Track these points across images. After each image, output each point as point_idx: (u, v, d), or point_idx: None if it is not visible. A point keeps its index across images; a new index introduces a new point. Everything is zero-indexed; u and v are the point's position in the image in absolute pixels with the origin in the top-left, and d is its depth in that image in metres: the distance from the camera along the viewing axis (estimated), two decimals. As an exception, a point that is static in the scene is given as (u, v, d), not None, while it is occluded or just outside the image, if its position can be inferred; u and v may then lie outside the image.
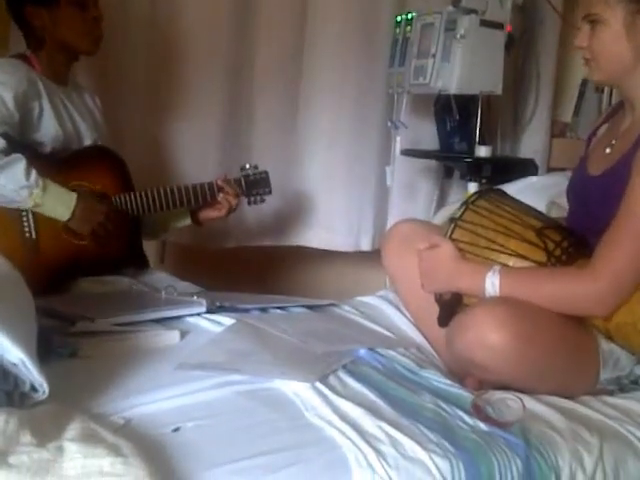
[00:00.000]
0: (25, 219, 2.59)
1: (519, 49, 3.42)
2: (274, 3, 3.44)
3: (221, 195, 2.91)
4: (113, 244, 2.70)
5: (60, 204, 2.56)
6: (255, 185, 3.01)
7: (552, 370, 1.96)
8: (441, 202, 3.66)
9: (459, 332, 1.95)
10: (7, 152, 2.48)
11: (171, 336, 2.15)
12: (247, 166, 3.02)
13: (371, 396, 1.82)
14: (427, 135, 3.52)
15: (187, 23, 3.34)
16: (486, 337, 1.88)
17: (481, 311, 1.93)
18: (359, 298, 2.72)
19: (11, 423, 1.45)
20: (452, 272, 2.07)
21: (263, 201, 3.06)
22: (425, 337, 2.38)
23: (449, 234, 2.10)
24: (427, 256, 2.12)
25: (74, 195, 2.58)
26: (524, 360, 1.90)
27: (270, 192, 3.05)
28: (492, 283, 1.97)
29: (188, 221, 3.00)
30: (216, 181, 2.91)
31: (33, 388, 1.62)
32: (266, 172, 3.03)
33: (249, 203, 3.05)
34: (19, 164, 2.47)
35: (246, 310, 2.44)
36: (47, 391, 1.62)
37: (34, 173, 2.49)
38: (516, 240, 2.05)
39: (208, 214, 2.98)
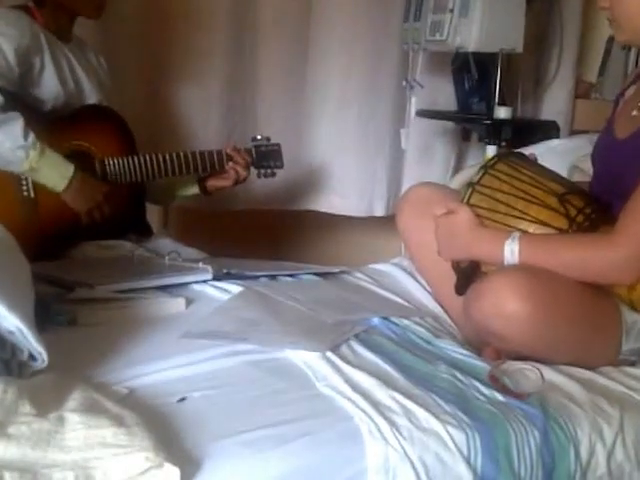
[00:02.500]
0: (23, 176, 2.58)
1: (542, 4, 3.39)
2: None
3: (230, 164, 2.90)
4: (116, 208, 2.70)
5: (56, 172, 2.55)
6: (266, 157, 3.01)
7: (572, 340, 1.97)
8: (458, 166, 3.65)
9: (476, 300, 1.96)
10: (4, 109, 2.47)
11: (176, 304, 2.16)
12: (259, 137, 3.02)
13: (384, 366, 1.83)
14: (444, 95, 3.52)
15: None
16: (503, 305, 1.88)
17: (499, 278, 1.94)
18: (372, 265, 2.72)
19: (9, 392, 1.46)
20: (469, 239, 2.07)
21: (274, 175, 3.06)
22: (442, 306, 2.38)
23: (466, 199, 2.10)
24: (443, 222, 2.12)
25: (72, 167, 2.57)
26: (543, 329, 1.91)
27: (282, 166, 3.05)
28: (511, 250, 1.97)
29: (196, 189, 2.99)
30: (225, 149, 2.91)
31: (32, 357, 1.63)
32: (278, 145, 3.03)
33: (259, 176, 3.05)
34: (17, 122, 2.47)
35: (254, 277, 2.44)
36: (46, 360, 1.63)
37: (32, 134, 2.49)
38: (537, 206, 2.05)
39: (215, 183, 2.97)
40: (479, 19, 2.93)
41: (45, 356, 1.63)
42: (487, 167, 2.13)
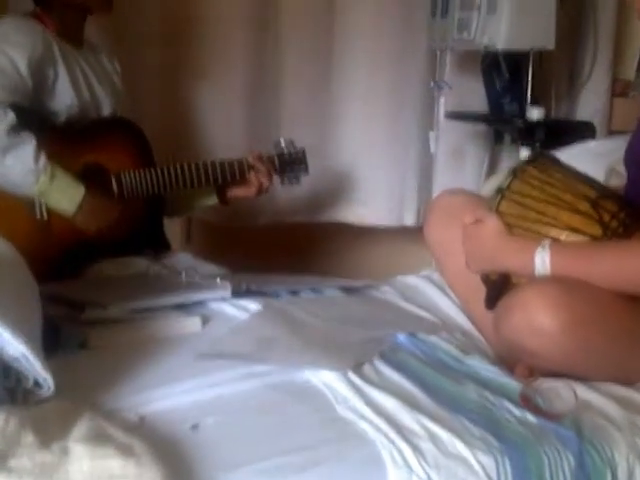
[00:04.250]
0: (36, 198, 2.58)
1: (574, 0, 3.35)
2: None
3: (252, 173, 2.88)
4: (131, 224, 2.69)
5: (65, 196, 2.55)
6: (290, 164, 2.98)
7: (609, 355, 1.92)
8: (492, 169, 3.61)
9: (506, 315, 1.92)
10: (17, 129, 2.47)
11: (192, 323, 2.14)
12: (282, 142, 2.99)
13: (409, 386, 1.80)
14: (474, 96, 3.47)
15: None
16: (535, 320, 1.84)
17: (530, 291, 1.90)
18: (400, 278, 2.69)
19: (11, 422, 1.44)
20: (498, 249, 2.03)
21: (298, 181, 3.03)
22: (472, 320, 2.34)
23: (495, 206, 2.06)
24: (471, 232, 2.09)
25: (82, 189, 2.56)
26: (577, 345, 1.86)
27: (307, 171, 3.01)
28: (542, 260, 1.93)
29: (214, 199, 2.97)
30: (247, 158, 2.88)
31: (37, 384, 1.62)
32: (303, 150, 2.99)
33: (282, 183, 3.02)
34: (29, 145, 2.47)
35: (275, 293, 2.43)
36: (52, 387, 1.62)
37: (43, 157, 2.48)
38: (568, 212, 2.01)
39: (236, 193, 2.95)
40: (508, 16, 2.90)
41: (51, 383, 1.62)
42: (516, 172, 2.10)
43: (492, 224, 2.04)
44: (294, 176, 3.00)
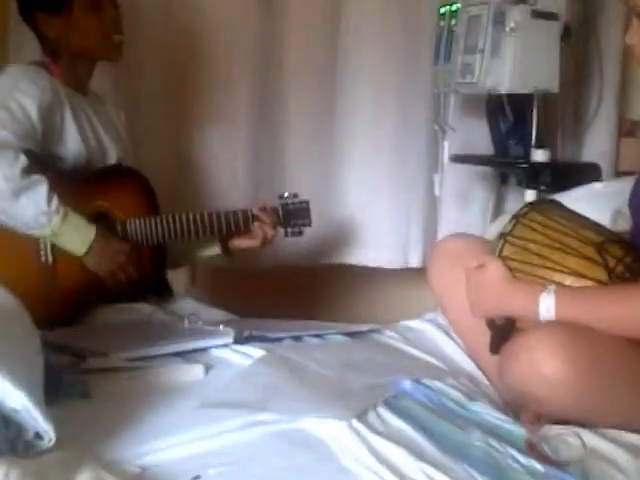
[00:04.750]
0: (42, 241, 2.60)
1: (578, 39, 3.37)
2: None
3: (256, 224, 2.89)
4: (136, 269, 2.70)
5: (77, 236, 2.57)
6: (294, 216, 2.99)
7: (617, 402, 1.91)
8: (497, 211, 3.61)
9: (510, 361, 1.91)
10: (29, 172, 2.49)
11: (194, 371, 2.14)
12: (286, 194, 3.00)
13: (414, 435, 1.79)
14: (480, 138, 3.49)
15: (205, 20, 3.36)
16: (540, 366, 1.84)
17: (534, 337, 1.89)
18: (404, 322, 2.69)
19: (12, 475, 1.43)
20: (502, 294, 2.03)
21: (301, 234, 3.04)
22: (478, 365, 2.34)
23: (498, 251, 2.06)
24: (474, 277, 2.09)
25: (93, 229, 2.58)
26: (584, 392, 1.85)
27: (310, 224, 3.03)
28: (547, 305, 1.93)
29: (217, 250, 2.98)
30: (251, 209, 2.89)
31: (38, 435, 1.61)
32: (307, 202, 3.01)
33: (286, 235, 3.03)
34: (41, 187, 2.49)
35: (278, 339, 2.43)
36: (54, 438, 1.61)
37: (55, 199, 2.50)
38: (573, 257, 2.01)
39: (240, 243, 2.95)
40: (511, 59, 2.90)
41: (52, 434, 1.61)
42: (519, 216, 2.10)
43: (496, 268, 2.04)
44: (298, 229, 3.01)
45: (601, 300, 1.96)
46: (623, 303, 1.93)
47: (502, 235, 2.09)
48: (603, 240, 2.04)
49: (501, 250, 2.06)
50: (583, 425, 1.86)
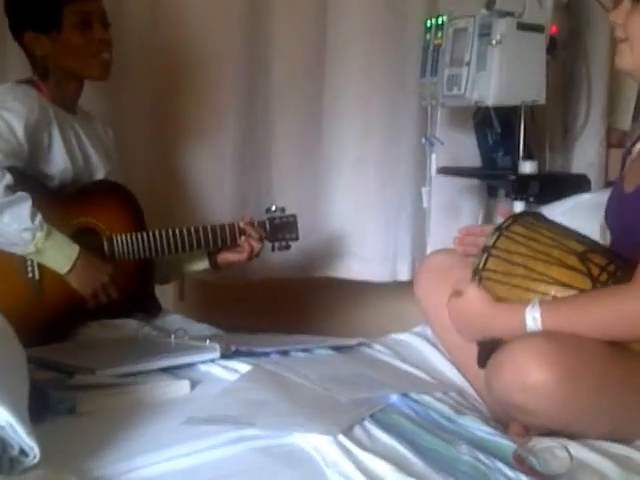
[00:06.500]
0: (28, 258, 2.60)
1: (565, 51, 3.38)
2: (290, 8, 3.45)
3: (243, 238, 2.91)
4: (121, 287, 2.71)
5: (60, 254, 2.57)
6: (281, 230, 3.01)
7: (603, 410, 1.91)
8: (486, 223, 3.61)
9: (496, 372, 1.92)
10: (13, 189, 2.50)
11: (180, 387, 2.14)
12: (273, 208, 3.02)
13: (401, 449, 1.79)
14: (467, 151, 3.49)
15: (192, 34, 3.37)
16: (526, 376, 1.84)
17: (519, 347, 1.90)
18: (393, 336, 2.70)
19: (-4, 493, 1.45)
20: (486, 318, 2.04)
21: (288, 247, 3.06)
22: (466, 378, 2.35)
23: (482, 265, 2.07)
24: (453, 307, 2.11)
25: (77, 248, 2.59)
26: (570, 400, 1.86)
27: (297, 238, 3.05)
28: (533, 317, 1.94)
29: (205, 264, 3.00)
30: (238, 223, 2.91)
31: (23, 452, 1.61)
32: (294, 216, 3.03)
33: (273, 249, 3.05)
34: (25, 204, 2.50)
35: (265, 354, 2.43)
36: (39, 455, 1.61)
37: (39, 216, 2.51)
38: (557, 267, 2.02)
39: (227, 257, 2.98)
40: (497, 72, 2.91)
41: (37, 451, 1.61)
42: (502, 229, 2.11)
43: (473, 294, 2.06)
44: (285, 242, 3.03)
45: (586, 305, 1.96)
46: (608, 305, 1.94)
47: (485, 249, 2.09)
48: (586, 249, 2.05)
49: (485, 263, 2.07)
50: (571, 437, 1.87)
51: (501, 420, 2.06)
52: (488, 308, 2.03)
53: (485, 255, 2.07)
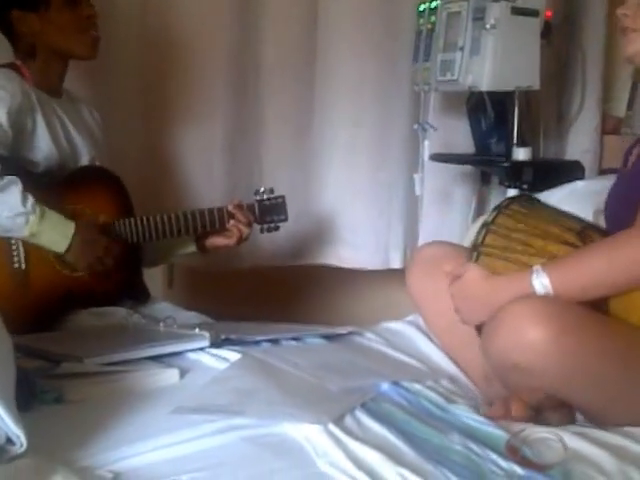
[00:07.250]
0: (14, 247, 2.59)
1: (560, 37, 3.37)
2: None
3: (232, 222, 2.89)
4: (110, 275, 2.70)
5: (57, 233, 2.56)
6: (270, 211, 2.99)
7: (609, 378, 1.91)
8: (480, 211, 3.60)
9: (494, 332, 1.93)
10: (1, 174, 2.49)
11: (169, 375, 2.13)
12: (262, 190, 3.00)
13: (392, 438, 1.78)
14: (461, 137, 3.49)
15: (182, 20, 3.36)
16: (522, 334, 1.85)
17: (516, 305, 1.90)
18: (385, 324, 2.70)
19: (-19, 482, 1.44)
20: (490, 292, 2.02)
21: (277, 229, 3.04)
22: (458, 365, 2.35)
23: (481, 240, 2.08)
24: (455, 289, 2.09)
25: (72, 224, 2.58)
26: (569, 360, 1.87)
27: (286, 219, 3.03)
28: (541, 283, 1.93)
29: (193, 248, 2.98)
30: (227, 207, 2.89)
31: (9, 440, 1.61)
32: (282, 197, 3.01)
33: (262, 231, 3.04)
34: (15, 188, 2.49)
35: (255, 342, 2.42)
36: (25, 444, 1.60)
37: (30, 198, 2.50)
38: (555, 243, 2.04)
39: (216, 241, 2.96)
40: (491, 57, 2.90)
41: (24, 440, 1.61)
42: (501, 207, 2.15)
43: (473, 272, 2.06)
44: (273, 224, 3.01)
45: (590, 256, 1.98)
46: (613, 250, 1.95)
47: (484, 225, 2.11)
48: (584, 226, 2.09)
49: (484, 239, 2.08)
50: (574, 404, 1.91)
51: (497, 402, 2.03)
52: (492, 281, 2.03)
53: (484, 230, 2.09)
